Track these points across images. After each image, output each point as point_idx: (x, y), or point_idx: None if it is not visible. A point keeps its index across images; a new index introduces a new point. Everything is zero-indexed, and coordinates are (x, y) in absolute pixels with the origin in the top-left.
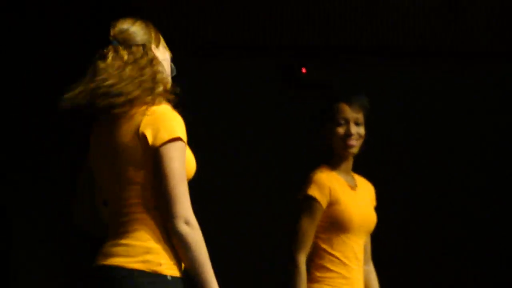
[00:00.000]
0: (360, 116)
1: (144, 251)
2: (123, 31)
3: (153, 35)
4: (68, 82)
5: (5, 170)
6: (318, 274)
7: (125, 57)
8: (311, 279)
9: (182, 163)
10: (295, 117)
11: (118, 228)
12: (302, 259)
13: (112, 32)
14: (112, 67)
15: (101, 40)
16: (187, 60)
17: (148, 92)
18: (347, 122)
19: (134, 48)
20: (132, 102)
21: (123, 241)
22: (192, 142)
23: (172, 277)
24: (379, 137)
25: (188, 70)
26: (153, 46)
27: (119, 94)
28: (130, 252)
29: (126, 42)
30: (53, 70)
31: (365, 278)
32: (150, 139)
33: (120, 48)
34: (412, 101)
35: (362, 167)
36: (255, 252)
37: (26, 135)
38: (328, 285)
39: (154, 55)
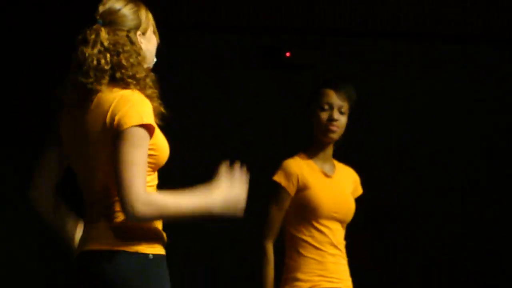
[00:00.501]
0: (345, 105)
1: (123, 232)
2: (112, 12)
3: (142, 20)
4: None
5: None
6: (292, 262)
7: (106, 42)
8: (286, 268)
9: (142, 149)
10: (280, 100)
11: (96, 213)
12: (269, 246)
13: (101, 9)
14: (92, 55)
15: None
16: (170, 39)
17: (123, 81)
18: (331, 107)
19: (118, 33)
20: (100, 89)
21: (102, 225)
22: (176, 126)
23: (154, 255)
24: (367, 122)
25: (171, 49)
26: (138, 33)
27: (94, 82)
28: (111, 234)
29: (112, 24)
30: (48, 68)
31: None
32: (115, 123)
33: (103, 31)
34: (401, 84)
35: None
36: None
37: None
38: (302, 272)
39: (138, 44)
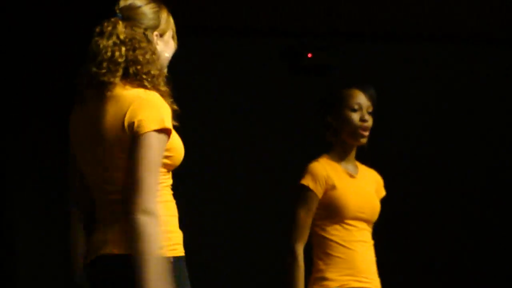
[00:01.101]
0: (371, 106)
1: None
2: (132, 8)
3: (162, 22)
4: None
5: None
6: (320, 262)
7: (122, 35)
8: (314, 268)
9: (160, 153)
10: (301, 103)
11: (112, 215)
12: (299, 250)
13: (121, 4)
14: (106, 47)
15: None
16: (191, 42)
17: (137, 77)
18: (361, 108)
19: (135, 29)
20: (116, 84)
21: (120, 227)
22: (196, 128)
23: (174, 257)
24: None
25: (193, 52)
26: (156, 33)
27: (107, 74)
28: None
29: (131, 20)
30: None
31: None
32: (135, 125)
33: (121, 24)
34: (420, 86)
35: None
36: (247, 235)
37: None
38: (331, 271)
39: (154, 43)
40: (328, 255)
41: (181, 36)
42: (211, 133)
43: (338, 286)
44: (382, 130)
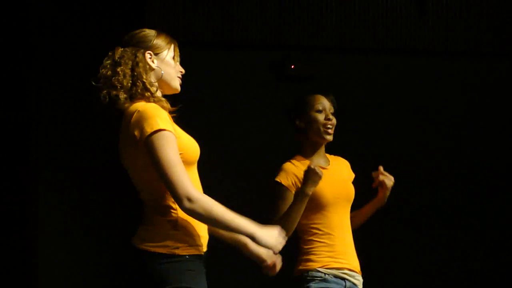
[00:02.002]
0: (332, 108)
1: (164, 237)
2: (131, 35)
3: (157, 43)
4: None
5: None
6: (305, 247)
7: (116, 56)
8: (300, 252)
9: (170, 149)
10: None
11: (146, 215)
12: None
13: (127, 36)
14: (105, 66)
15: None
16: (190, 55)
17: (137, 91)
18: (324, 109)
19: (128, 49)
20: (116, 100)
21: (150, 228)
22: (192, 130)
23: (190, 255)
24: (361, 128)
25: (191, 63)
26: (149, 52)
27: (105, 91)
28: (154, 238)
29: (128, 44)
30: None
31: (359, 211)
32: (138, 136)
33: (119, 49)
34: (389, 95)
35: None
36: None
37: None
38: (314, 254)
39: (143, 59)
40: (312, 240)
41: (181, 49)
42: (207, 134)
43: (320, 266)
44: (363, 134)
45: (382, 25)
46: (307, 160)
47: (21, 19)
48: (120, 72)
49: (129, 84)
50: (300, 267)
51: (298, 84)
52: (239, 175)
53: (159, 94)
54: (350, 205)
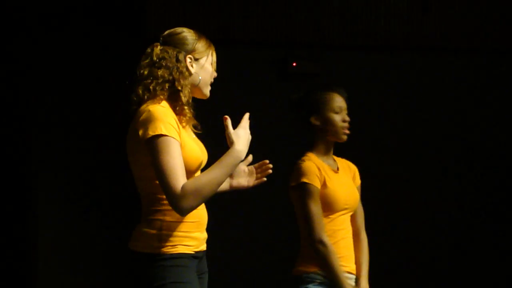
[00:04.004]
0: (346, 108)
1: (150, 237)
2: (172, 34)
3: (198, 48)
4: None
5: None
6: (309, 247)
7: (154, 57)
8: (301, 253)
9: (167, 154)
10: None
11: (141, 215)
12: (326, 237)
13: (165, 32)
14: (142, 66)
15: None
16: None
17: (154, 92)
18: (341, 110)
19: (168, 51)
20: (140, 102)
21: (141, 228)
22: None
23: (176, 253)
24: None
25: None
26: (189, 56)
27: (135, 92)
28: (143, 238)
29: (168, 43)
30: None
31: (355, 247)
32: (140, 135)
33: (158, 47)
34: (389, 90)
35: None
36: (248, 246)
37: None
38: (314, 256)
39: (183, 64)
40: None
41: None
42: (207, 131)
43: (319, 269)
44: (365, 131)
45: (384, 22)
46: (319, 160)
47: (19, 18)
48: (157, 74)
49: (165, 88)
50: (300, 268)
51: (300, 82)
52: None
53: (186, 99)
54: (354, 210)
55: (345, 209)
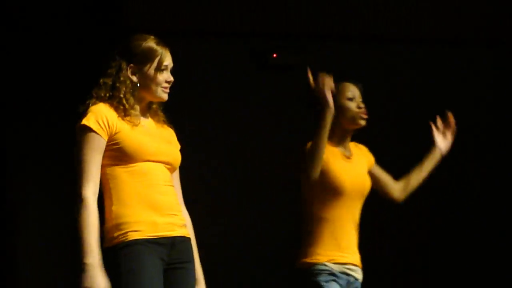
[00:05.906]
0: (360, 96)
1: (109, 231)
2: (123, 45)
3: (142, 55)
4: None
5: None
6: (310, 237)
7: (106, 67)
8: (305, 241)
9: (82, 146)
10: (268, 97)
11: None
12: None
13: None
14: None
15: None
16: (172, 45)
17: (97, 96)
18: (354, 98)
19: (116, 60)
20: (91, 102)
21: (104, 225)
22: (176, 126)
23: (128, 241)
24: None
25: (173, 54)
26: (130, 66)
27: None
28: (105, 235)
29: (118, 53)
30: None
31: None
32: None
33: (114, 58)
34: (371, 82)
35: None
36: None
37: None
38: (320, 247)
39: (125, 71)
40: (319, 231)
41: (160, 39)
42: (187, 125)
43: (327, 260)
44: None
45: (369, 11)
46: (333, 147)
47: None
48: (102, 82)
49: (107, 96)
50: (306, 260)
51: (281, 73)
52: (221, 166)
53: (135, 104)
54: (363, 200)
55: (353, 197)
